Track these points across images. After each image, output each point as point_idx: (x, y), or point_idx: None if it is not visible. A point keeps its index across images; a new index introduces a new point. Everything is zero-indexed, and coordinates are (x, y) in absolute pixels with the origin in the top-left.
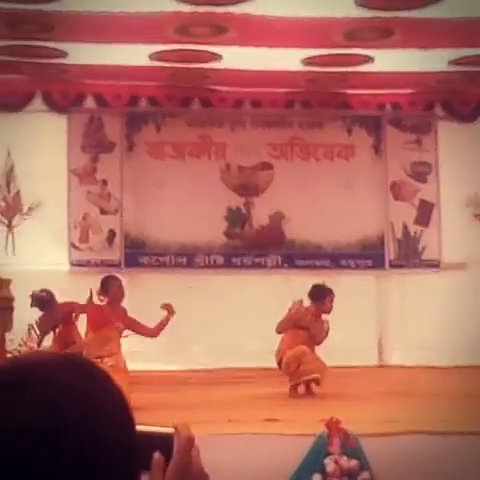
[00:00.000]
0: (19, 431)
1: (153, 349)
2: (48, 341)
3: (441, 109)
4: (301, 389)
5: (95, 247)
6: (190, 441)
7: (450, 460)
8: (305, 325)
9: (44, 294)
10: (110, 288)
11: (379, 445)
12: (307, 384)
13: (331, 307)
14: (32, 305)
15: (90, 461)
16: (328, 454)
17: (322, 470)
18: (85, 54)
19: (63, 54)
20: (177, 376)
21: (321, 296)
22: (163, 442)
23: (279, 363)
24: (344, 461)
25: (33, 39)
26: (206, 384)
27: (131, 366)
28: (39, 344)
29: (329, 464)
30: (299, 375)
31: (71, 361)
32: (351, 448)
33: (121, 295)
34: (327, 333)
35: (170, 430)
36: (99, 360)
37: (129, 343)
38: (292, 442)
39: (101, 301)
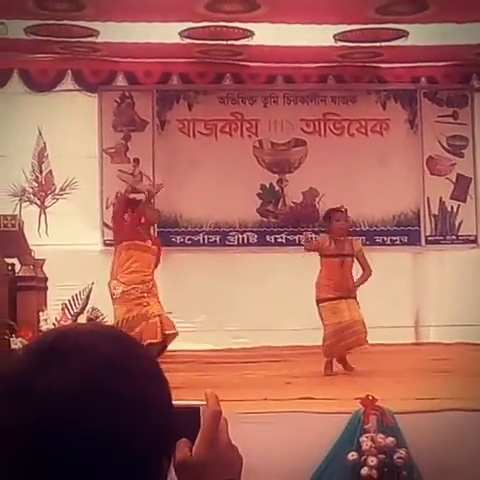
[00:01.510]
0: (62, 400)
1: (188, 329)
2: (82, 320)
3: (477, 81)
4: (335, 366)
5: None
6: (217, 414)
7: None
8: (330, 252)
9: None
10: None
11: (416, 423)
12: (344, 359)
13: (341, 226)
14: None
15: (132, 431)
16: (364, 432)
17: (358, 448)
18: (115, 32)
19: (94, 32)
20: (212, 355)
21: (329, 218)
22: (191, 415)
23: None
24: (380, 439)
25: (64, 18)
26: (241, 363)
27: None
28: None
29: (365, 442)
30: (338, 350)
31: (112, 333)
32: (387, 426)
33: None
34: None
35: (198, 402)
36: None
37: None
38: (328, 420)
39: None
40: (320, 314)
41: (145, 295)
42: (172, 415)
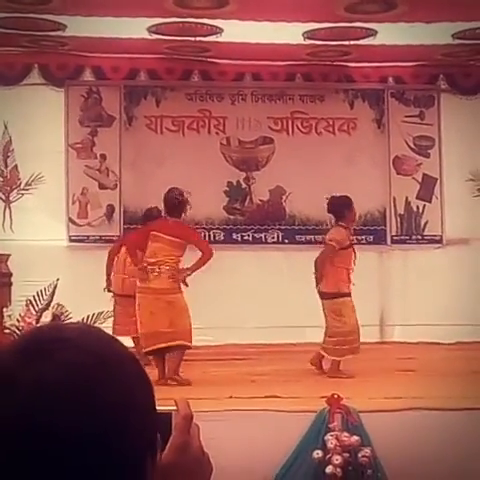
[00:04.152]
0: (49, 392)
1: None
2: (46, 317)
3: (444, 82)
4: (326, 364)
5: (94, 222)
6: (189, 419)
7: (451, 436)
8: (348, 243)
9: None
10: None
11: (380, 421)
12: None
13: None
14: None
15: (118, 424)
16: (329, 431)
17: (323, 446)
18: (83, 27)
19: (61, 27)
20: None
21: (348, 207)
22: (162, 420)
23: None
24: (345, 437)
25: (31, 12)
26: (206, 361)
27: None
28: (38, 320)
29: (330, 440)
30: (339, 353)
31: (96, 331)
32: (352, 424)
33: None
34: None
35: (169, 408)
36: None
37: None
38: (293, 419)
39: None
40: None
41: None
42: (156, 414)
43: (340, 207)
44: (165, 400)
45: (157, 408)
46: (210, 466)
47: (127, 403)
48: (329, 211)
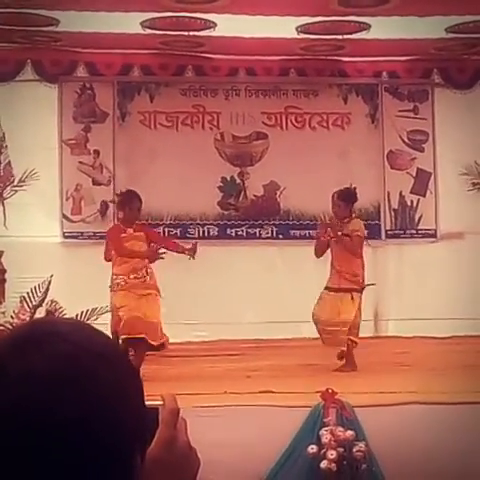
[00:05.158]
0: (38, 383)
1: None
2: (40, 313)
3: (438, 77)
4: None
5: (88, 219)
6: (175, 412)
7: (447, 431)
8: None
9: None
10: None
11: (375, 416)
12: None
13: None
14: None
15: (106, 416)
16: (323, 425)
17: (318, 441)
18: (76, 22)
19: (54, 22)
20: (171, 349)
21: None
22: (149, 415)
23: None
24: (339, 432)
25: (23, 7)
26: (200, 356)
27: None
28: (32, 316)
29: (324, 435)
30: (339, 342)
31: (87, 326)
32: (347, 419)
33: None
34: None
35: (156, 403)
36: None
37: None
38: (288, 414)
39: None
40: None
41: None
42: (145, 409)
43: (355, 199)
44: (152, 395)
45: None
46: (197, 461)
47: (116, 396)
48: (345, 202)
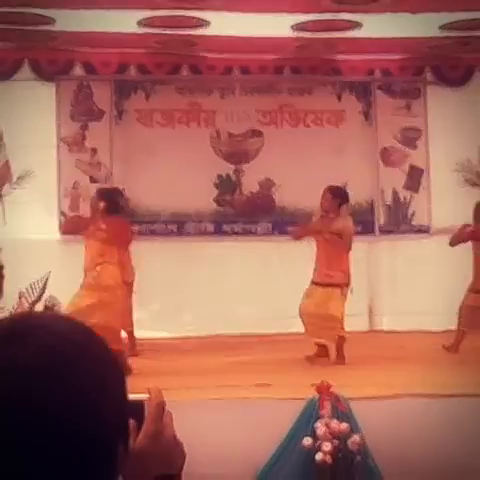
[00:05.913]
0: (19, 374)
1: (144, 317)
2: (39, 308)
3: (431, 74)
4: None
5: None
6: (161, 405)
7: (441, 423)
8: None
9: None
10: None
11: (369, 409)
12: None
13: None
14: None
15: (89, 407)
16: (319, 418)
17: (313, 433)
18: (73, 21)
19: (50, 21)
20: (168, 343)
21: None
22: (135, 409)
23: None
24: (335, 424)
25: (19, 5)
26: (197, 351)
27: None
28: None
29: (319, 427)
30: (320, 335)
31: (72, 320)
32: (342, 412)
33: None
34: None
35: (142, 396)
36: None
37: None
38: (283, 406)
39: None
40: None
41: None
42: (128, 401)
43: (346, 198)
44: (138, 388)
45: (130, 396)
46: (183, 454)
47: (99, 387)
48: (336, 199)
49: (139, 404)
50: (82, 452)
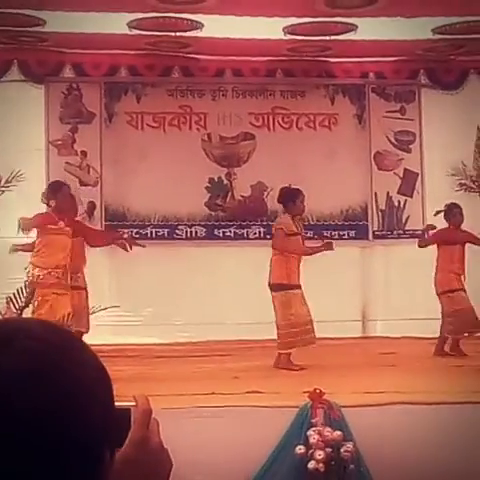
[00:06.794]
0: (7, 378)
1: (135, 322)
2: (27, 313)
3: (425, 77)
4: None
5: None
6: (148, 414)
7: (433, 431)
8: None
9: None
10: (57, 193)
11: (363, 416)
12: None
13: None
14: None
15: (74, 411)
16: (311, 426)
17: (305, 442)
18: (63, 22)
19: (41, 22)
20: (159, 349)
21: (294, 198)
22: (121, 416)
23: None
24: (327, 432)
25: (10, 7)
26: (188, 357)
27: (112, 340)
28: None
29: (312, 435)
30: (289, 345)
31: (53, 324)
32: (334, 419)
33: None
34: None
35: (129, 404)
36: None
37: (110, 316)
38: (275, 414)
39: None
40: (277, 300)
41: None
42: (114, 408)
43: (290, 197)
44: (125, 396)
45: (116, 403)
46: (169, 461)
47: (86, 391)
48: (279, 201)
49: (126, 411)
50: (67, 455)
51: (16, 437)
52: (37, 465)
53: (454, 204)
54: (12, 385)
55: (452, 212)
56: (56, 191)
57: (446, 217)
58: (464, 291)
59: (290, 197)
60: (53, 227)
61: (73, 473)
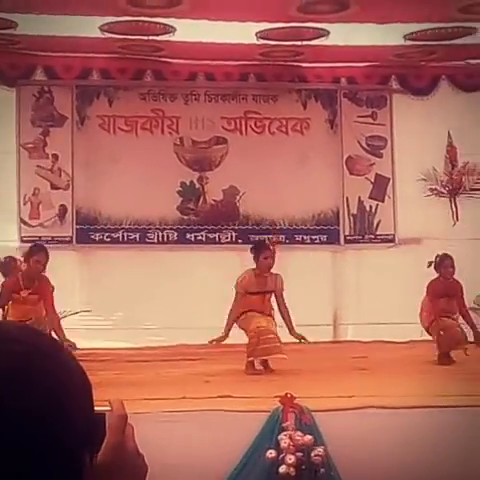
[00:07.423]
0: None
1: (106, 326)
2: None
3: (396, 83)
4: (258, 365)
5: (46, 223)
6: (123, 419)
7: (405, 435)
8: (253, 290)
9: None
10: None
11: (334, 420)
12: (265, 360)
13: (269, 263)
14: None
15: (55, 413)
16: (282, 430)
17: (276, 446)
18: (35, 25)
19: (12, 25)
20: (130, 353)
21: (258, 253)
22: (96, 421)
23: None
24: (298, 437)
25: None
26: (159, 361)
27: (84, 344)
28: None
29: (283, 440)
30: (257, 353)
31: (34, 329)
32: (305, 424)
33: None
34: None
35: (104, 409)
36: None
37: (81, 320)
38: (246, 418)
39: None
40: (240, 325)
41: None
42: (94, 412)
43: (256, 252)
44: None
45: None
46: (145, 466)
47: (65, 392)
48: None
49: (101, 416)
50: (53, 456)
51: (3, 438)
52: (24, 466)
53: (446, 255)
54: None
55: (443, 264)
56: (34, 254)
57: (437, 269)
58: (453, 318)
59: (256, 252)
60: (17, 297)
61: (58, 475)
